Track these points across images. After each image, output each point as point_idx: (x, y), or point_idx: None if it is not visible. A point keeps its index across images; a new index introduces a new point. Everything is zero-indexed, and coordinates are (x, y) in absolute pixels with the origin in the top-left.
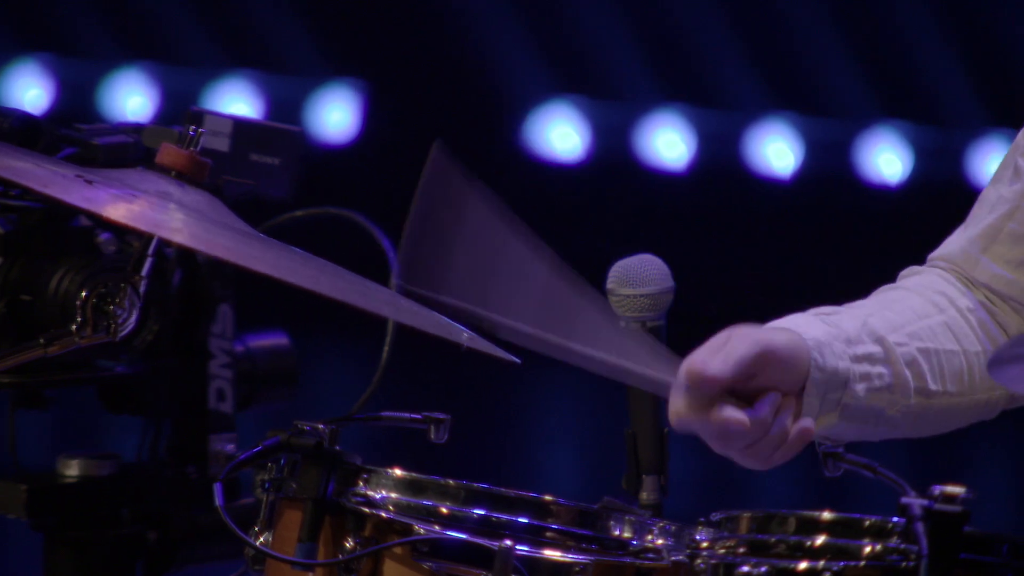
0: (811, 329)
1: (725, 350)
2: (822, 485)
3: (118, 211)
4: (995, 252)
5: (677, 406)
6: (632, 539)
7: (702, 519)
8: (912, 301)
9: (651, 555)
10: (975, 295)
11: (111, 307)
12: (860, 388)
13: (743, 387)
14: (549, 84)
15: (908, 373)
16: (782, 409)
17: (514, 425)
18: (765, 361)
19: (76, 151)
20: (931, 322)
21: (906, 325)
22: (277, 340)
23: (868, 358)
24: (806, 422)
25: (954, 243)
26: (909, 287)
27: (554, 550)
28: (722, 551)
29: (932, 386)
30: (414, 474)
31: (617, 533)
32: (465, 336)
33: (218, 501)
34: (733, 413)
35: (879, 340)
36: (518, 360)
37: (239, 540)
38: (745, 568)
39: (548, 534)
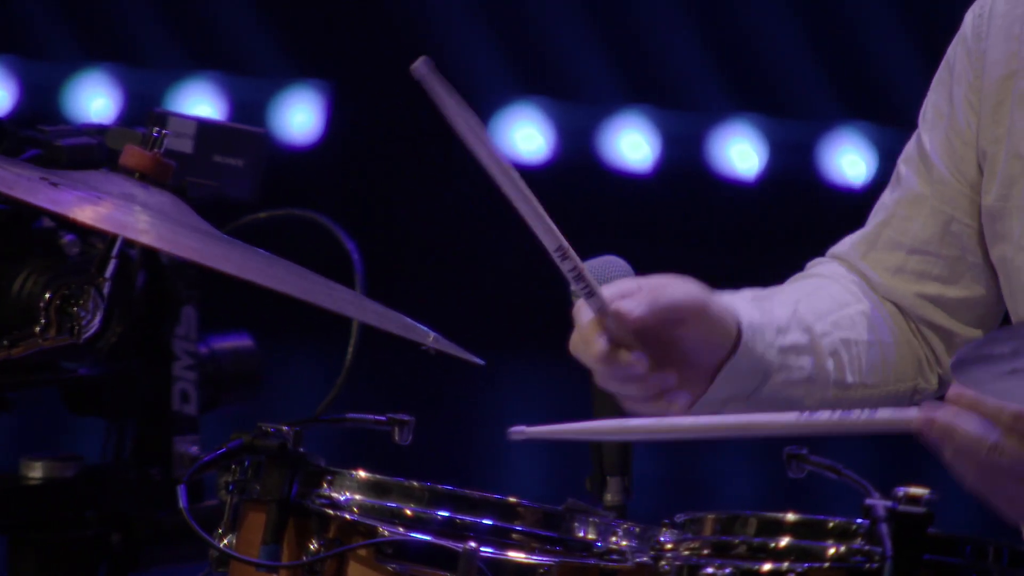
0: (747, 311)
1: (656, 291)
2: (786, 486)
3: (85, 213)
4: (873, 259)
5: (581, 318)
6: (596, 541)
7: (666, 520)
8: (831, 289)
9: (615, 557)
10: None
11: (75, 309)
12: (779, 380)
13: (654, 332)
14: (513, 86)
15: (830, 364)
16: (662, 378)
17: (478, 427)
18: (695, 315)
19: (40, 153)
20: (851, 311)
21: (830, 313)
22: (241, 342)
23: (794, 349)
24: (669, 403)
25: (844, 245)
26: (826, 275)
27: (518, 552)
28: (686, 553)
29: (849, 379)
30: (378, 476)
31: (581, 535)
32: (430, 338)
33: (182, 503)
34: (601, 346)
35: (807, 329)
36: (482, 361)
37: (203, 542)
38: (709, 570)
39: (512, 536)
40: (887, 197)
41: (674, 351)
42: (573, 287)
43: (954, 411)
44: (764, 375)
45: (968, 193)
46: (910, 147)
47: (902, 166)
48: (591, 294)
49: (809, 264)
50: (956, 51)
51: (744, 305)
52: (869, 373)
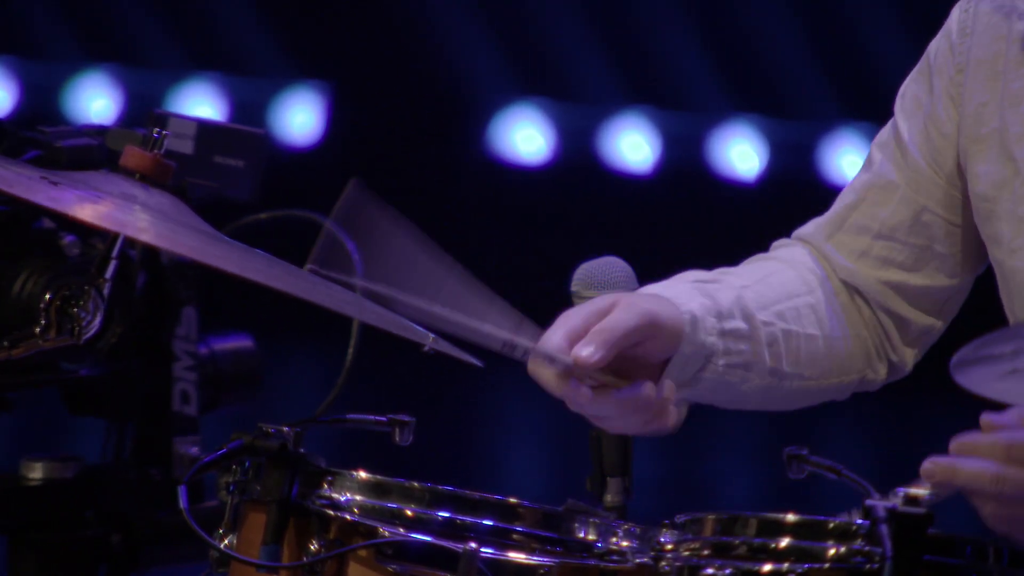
0: (689, 301)
1: (608, 327)
2: (786, 487)
3: (84, 211)
4: (839, 240)
5: (545, 377)
6: (596, 541)
7: (666, 521)
8: (786, 275)
9: (615, 557)
10: (831, 281)
11: (75, 309)
12: (720, 363)
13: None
14: (514, 86)
15: (767, 354)
16: (640, 401)
17: (479, 427)
18: (649, 333)
19: (40, 153)
20: (799, 302)
21: (776, 303)
22: (241, 343)
23: (733, 334)
24: (666, 386)
25: (809, 226)
26: (784, 259)
27: (519, 552)
28: (686, 553)
29: (786, 368)
30: (379, 476)
31: (582, 535)
32: (430, 339)
33: (182, 503)
34: (585, 393)
35: (748, 317)
36: (480, 363)
37: (203, 543)
38: (709, 570)
39: (513, 536)
40: (857, 180)
41: (631, 361)
42: (531, 366)
43: (954, 456)
44: (706, 358)
45: (943, 184)
46: (884, 133)
47: (876, 151)
48: (551, 361)
49: (774, 244)
50: (939, 44)
51: (686, 292)
52: (808, 365)
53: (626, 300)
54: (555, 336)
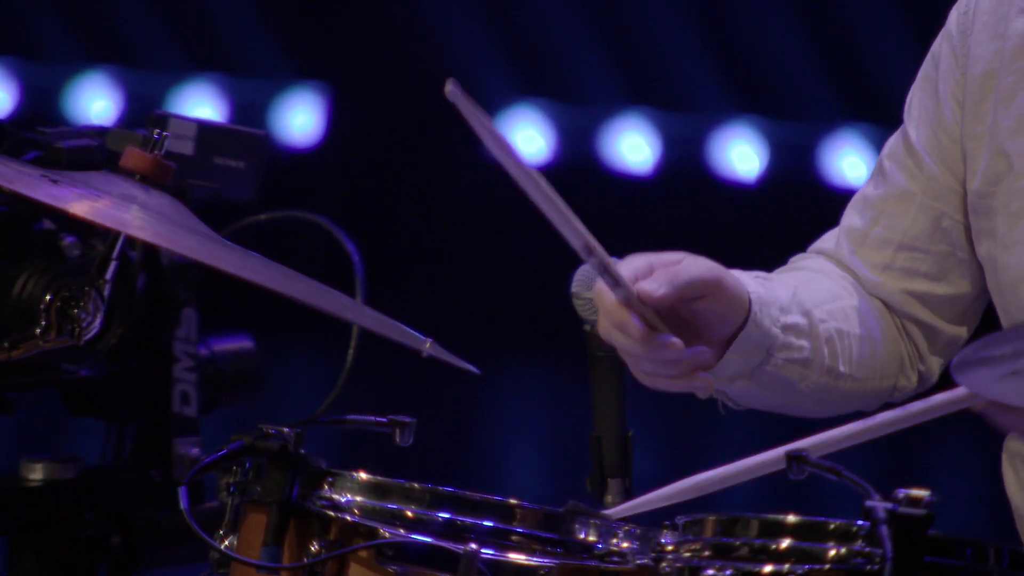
0: (755, 286)
1: (675, 269)
2: (786, 488)
3: (82, 208)
4: (863, 255)
5: (607, 302)
6: (597, 542)
7: (667, 522)
8: (823, 282)
9: (616, 558)
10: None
11: (75, 310)
12: (780, 357)
13: (674, 308)
14: (513, 87)
15: (825, 350)
16: (696, 354)
17: (479, 428)
18: (713, 290)
19: (40, 154)
20: (843, 304)
21: (825, 303)
22: (241, 343)
23: (794, 329)
24: (701, 379)
25: (829, 241)
26: (815, 268)
27: (519, 553)
28: (687, 554)
29: (841, 368)
30: (379, 477)
31: (582, 536)
32: (427, 344)
33: (183, 504)
34: (638, 329)
35: (806, 313)
36: (477, 371)
37: (203, 543)
38: (710, 572)
39: (513, 537)
40: (871, 192)
41: (690, 325)
42: (596, 288)
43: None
44: (768, 350)
45: (957, 189)
46: (894, 143)
47: (887, 162)
48: (616, 284)
49: (792, 259)
50: (941, 48)
51: (750, 281)
52: (859, 366)
53: (695, 256)
54: (623, 267)
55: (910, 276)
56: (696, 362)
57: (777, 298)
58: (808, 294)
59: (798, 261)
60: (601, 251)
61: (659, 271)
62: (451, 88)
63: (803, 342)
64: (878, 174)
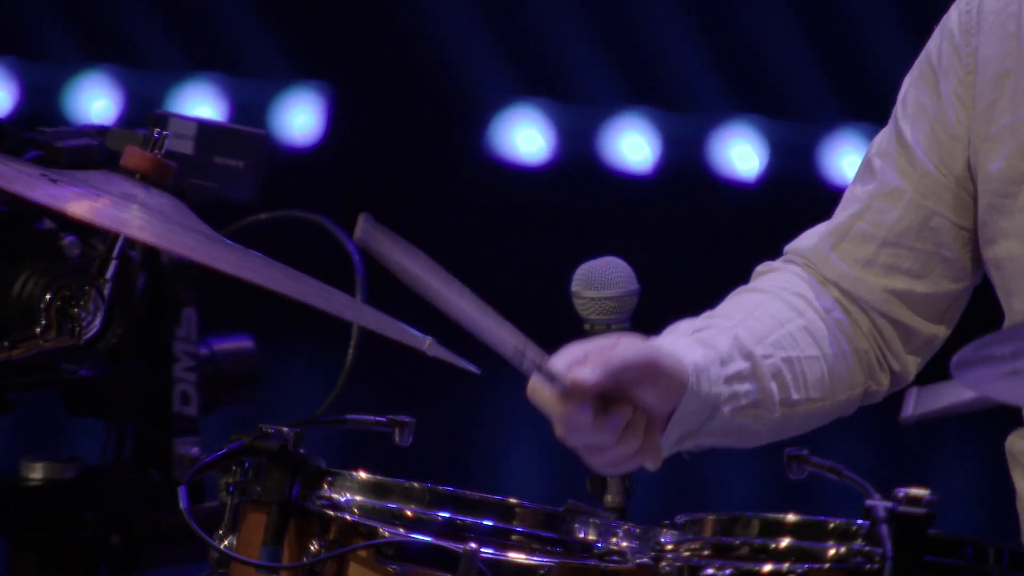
0: (690, 353)
1: (609, 354)
2: (786, 487)
3: (82, 207)
4: (843, 250)
5: (544, 396)
6: (597, 542)
7: (667, 521)
8: (771, 306)
9: (615, 558)
10: (830, 293)
11: (75, 310)
12: (727, 409)
13: (610, 389)
14: (514, 87)
15: (774, 386)
16: (633, 426)
17: (479, 428)
18: (648, 371)
19: (40, 154)
20: (792, 328)
21: (770, 334)
22: (241, 343)
23: (737, 376)
24: (651, 459)
25: (809, 238)
26: (766, 289)
27: (519, 553)
28: (687, 553)
29: (795, 396)
30: (379, 477)
31: (582, 536)
32: (428, 343)
33: (183, 504)
34: (584, 416)
35: (748, 356)
36: (477, 370)
37: (203, 543)
38: (710, 571)
39: (513, 537)
40: (859, 190)
41: (622, 402)
42: (531, 386)
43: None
44: (712, 409)
45: (952, 187)
46: (883, 141)
47: (875, 160)
48: (552, 379)
49: (757, 270)
50: (941, 47)
51: (686, 345)
52: (815, 387)
53: (631, 337)
54: (558, 360)
55: (891, 273)
56: (615, 426)
57: (718, 352)
58: (751, 331)
59: (758, 276)
60: (533, 350)
61: (592, 357)
62: (363, 224)
63: (747, 386)
64: (865, 172)
